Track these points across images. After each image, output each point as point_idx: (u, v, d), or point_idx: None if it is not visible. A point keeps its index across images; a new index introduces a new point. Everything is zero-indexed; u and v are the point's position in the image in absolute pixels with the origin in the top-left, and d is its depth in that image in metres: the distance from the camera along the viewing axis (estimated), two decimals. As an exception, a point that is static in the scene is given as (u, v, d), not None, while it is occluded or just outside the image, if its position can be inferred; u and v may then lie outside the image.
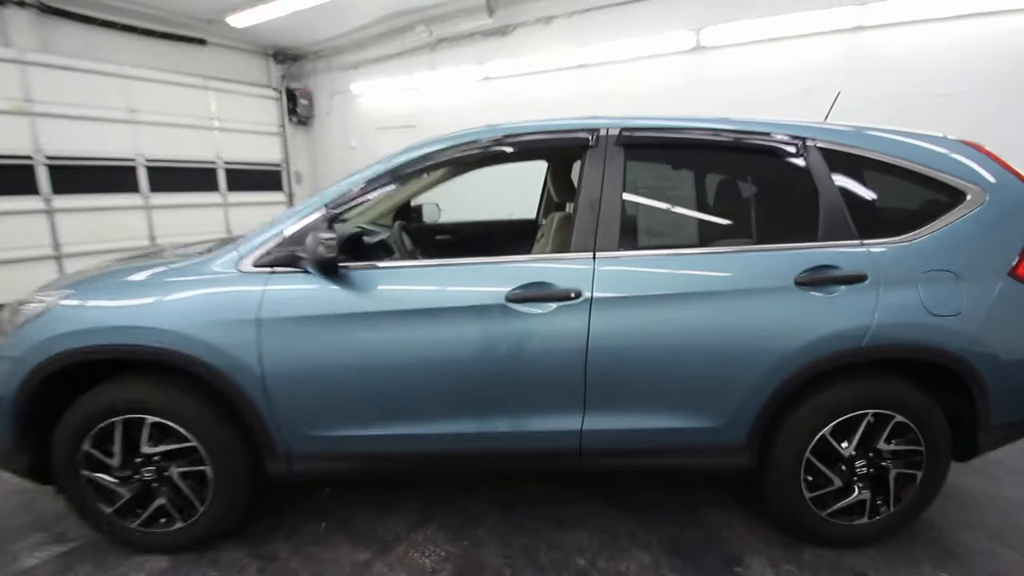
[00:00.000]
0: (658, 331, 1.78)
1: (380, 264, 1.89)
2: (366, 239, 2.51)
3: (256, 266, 1.82)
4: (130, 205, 6.54)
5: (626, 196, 1.87)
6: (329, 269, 1.74)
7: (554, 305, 1.77)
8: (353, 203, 1.89)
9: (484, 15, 6.01)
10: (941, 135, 1.99)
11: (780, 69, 4.85)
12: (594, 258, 1.81)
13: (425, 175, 2.16)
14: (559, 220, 2.52)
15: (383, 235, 2.61)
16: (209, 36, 7.14)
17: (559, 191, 2.86)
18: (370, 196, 1.91)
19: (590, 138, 1.90)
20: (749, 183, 1.97)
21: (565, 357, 1.78)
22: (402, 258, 2.30)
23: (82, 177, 6.04)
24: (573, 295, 1.77)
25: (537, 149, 2.01)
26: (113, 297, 1.83)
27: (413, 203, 3.53)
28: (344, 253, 2.03)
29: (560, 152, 2.80)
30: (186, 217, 7.02)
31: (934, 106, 4.32)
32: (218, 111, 7.31)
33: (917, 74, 4.41)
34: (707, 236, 1.91)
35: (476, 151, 1.95)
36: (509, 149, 1.97)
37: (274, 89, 8.08)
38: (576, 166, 3.02)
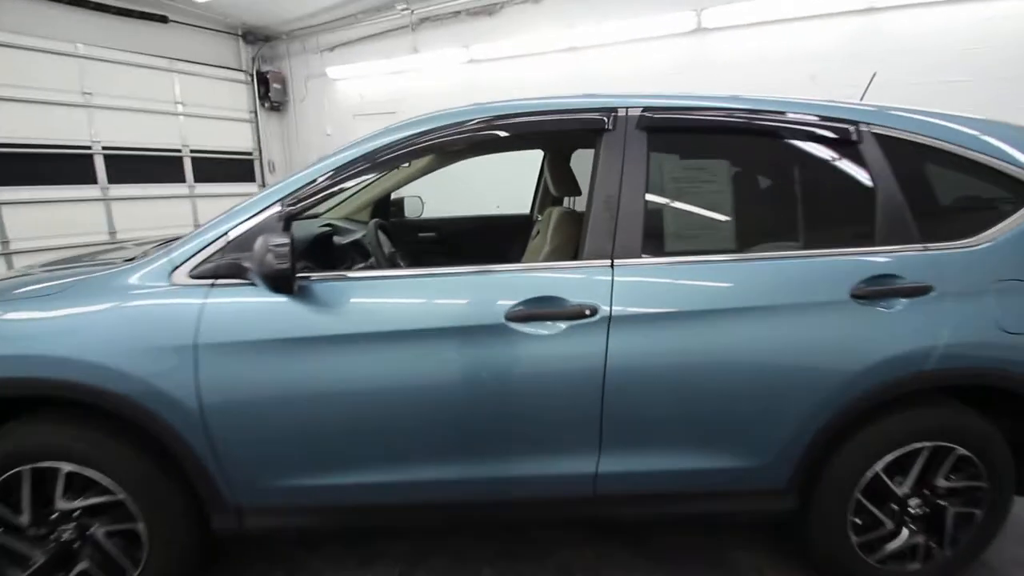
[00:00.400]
0: (690, 355, 1.48)
1: (351, 274, 1.54)
2: (337, 239, 2.16)
3: (193, 277, 1.46)
4: (87, 197, 6.03)
5: (650, 191, 1.55)
6: (281, 283, 1.37)
7: (564, 325, 1.45)
8: (317, 197, 1.54)
9: (469, -7, 5.63)
10: (1005, 122, 1.72)
11: (784, 52, 4.59)
12: (612, 266, 1.50)
13: (404, 163, 1.81)
14: (558, 216, 2.21)
15: (358, 234, 2.26)
16: (171, 13, 6.60)
17: (558, 183, 2.52)
18: (338, 188, 1.56)
19: (606, 120, 1.57)
20: (796, 175, 1.67)
21: (577, 388, 1.47)
22: (379, 262, 1.95)
23: (32, 166, 5.52)
24: (588, 312, 1.45)
25: (536, 134, 1.67)
26: (11, 316, 1.46)
27: (394, 196, 3.18)
28: (308, 259, 1.69)
29: (559, 138, 2.47)
30: (150, 210, 6.53)
31: (933, 92, 4.10)
32: (183, 95, 6.79)
33: (924, 57, 4.18)
34: (747, 240, 1.61)
35: (461, 135, 1.61)
36: (501, 133, 1.64)
37: (244, 72, 7.55)
38: (576, 156, 2.73)
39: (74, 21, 5.87)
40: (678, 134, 1.64)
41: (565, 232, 2.10)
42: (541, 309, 1.45)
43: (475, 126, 1.60)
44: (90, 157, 5.99)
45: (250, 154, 7.73)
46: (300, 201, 1.50)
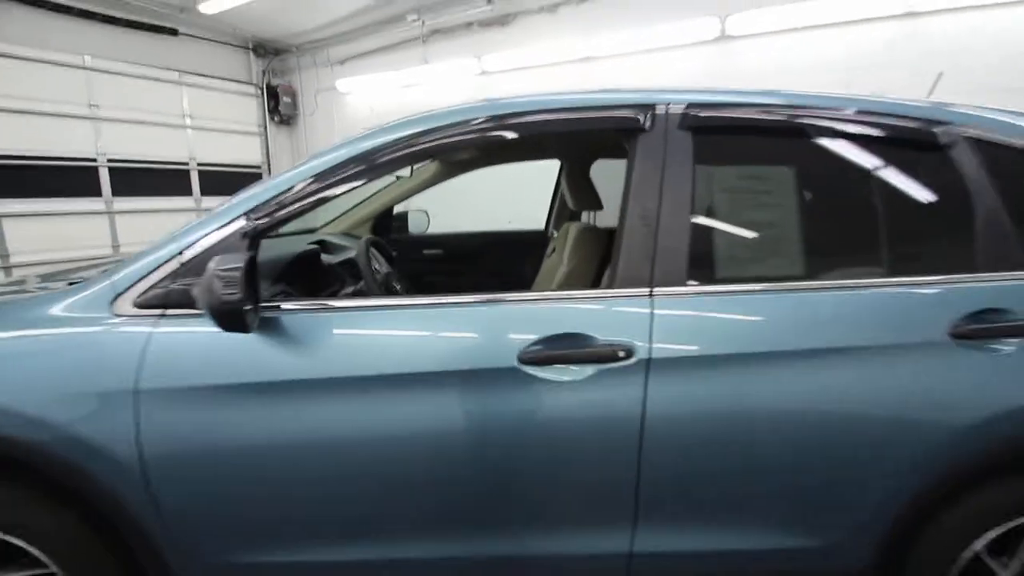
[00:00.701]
0: (748, 407, 1.19)
1: (333, 303, 1.28)
2: (327, 259, 1.91)
3: (139, 307, 1.21)
4: (91, 210, 5.92)
5: (697, 205, 1.28)
6: (230, 319, 1.08)
7: (591, 369, 1.17)
8: (292, 209, 1.27)
9: (482, 2, 5.45)
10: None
11: (814, 60, 4.32)
12: (651, 296, 1.22)
13: (399, 169, 1.56)
14: (577, 233, 1.94)
15: (351, 252, 2.01)
16: (181, 26, 6.53)
17: (577, 196, 2.26)
18: (319, 198, 1.30)
19: (642, 118, 1.30)
20: (875, 186, 1.38)
21: (607, 448, 1.19)
22: (369, 287, 1.68)
23: (36, 178, 5.43)
24: (621, 354, 1.17)
25: (554, 137, 1.41)
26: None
27: (397, 210, 2.94)
28: (288, 283, 1.44)
29: (579, 145, 2.21)
30: (154, 224, 6.38)
31: (984, 99, 3.77)
32: (191, 108, 6.69)
33: (968, 62, 3.86)
34: (818, 265, 1.32)
35: (467, 136, 1.35)
36: (513, 134, 1.38)
37: (254, 85, 7.47)
38: (597, 165, 2.47)
39: (82, 33, 5.81)
40: (731, 136, 1.36)
41: (584, 251, 1.84)
42: (562, 350, 1.18)
43: (483, 125, 1.34)
44: (95, 170, 5.89)
45: (259, 168, 7.61)
46: (271, 214, 1.24)
